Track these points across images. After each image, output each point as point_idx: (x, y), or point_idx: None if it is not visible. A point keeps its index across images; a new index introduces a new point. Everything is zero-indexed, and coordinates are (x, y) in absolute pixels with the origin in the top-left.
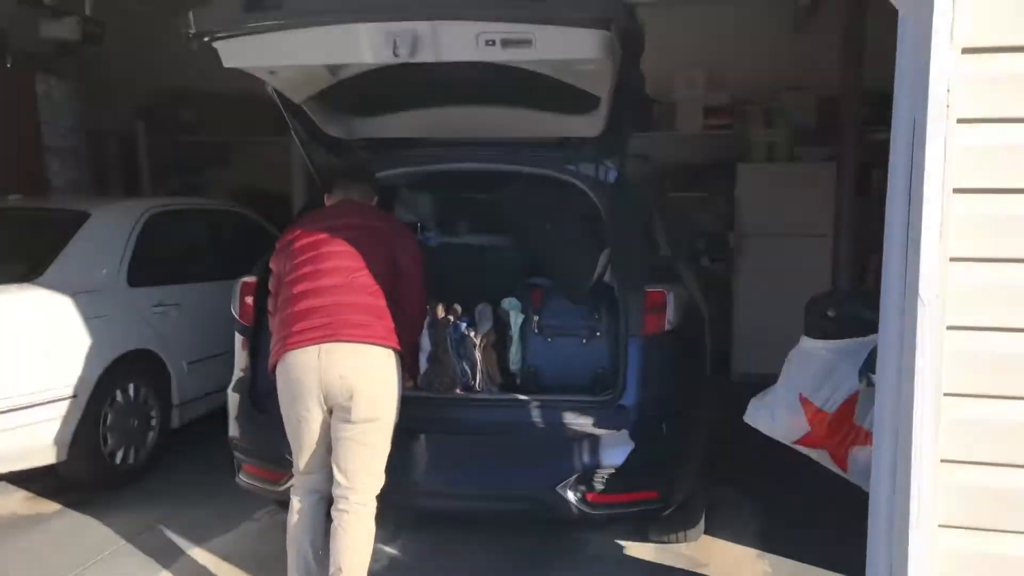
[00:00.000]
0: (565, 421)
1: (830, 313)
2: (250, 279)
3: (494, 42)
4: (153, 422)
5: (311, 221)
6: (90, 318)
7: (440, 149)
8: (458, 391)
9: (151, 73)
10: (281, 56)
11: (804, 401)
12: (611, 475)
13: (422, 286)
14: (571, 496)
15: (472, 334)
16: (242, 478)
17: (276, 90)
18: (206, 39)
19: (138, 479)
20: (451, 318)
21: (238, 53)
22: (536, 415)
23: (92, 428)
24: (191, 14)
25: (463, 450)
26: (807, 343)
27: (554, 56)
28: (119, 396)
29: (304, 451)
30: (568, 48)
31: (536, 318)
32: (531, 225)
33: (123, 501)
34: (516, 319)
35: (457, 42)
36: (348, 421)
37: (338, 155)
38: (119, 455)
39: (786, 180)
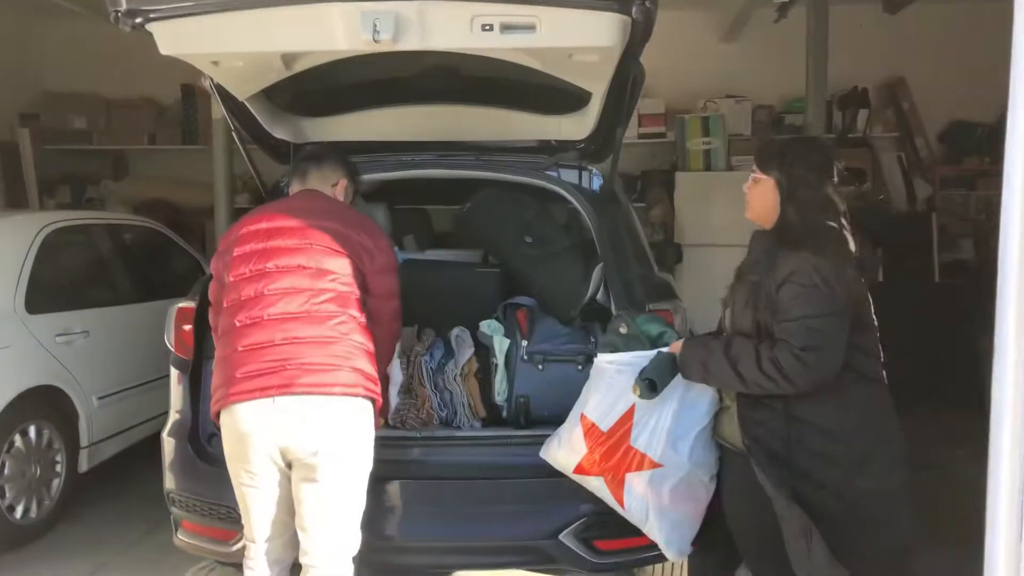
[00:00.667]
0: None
1: (622, 330)
2: (187, 304)
3: (491, 26)
4: (59, 467)
5: (259, 218)
6: None
7: (403, 154)
8: (435, 428)
9: (35, 76)
10: (232, 42)
11: (583, 418)
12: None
13: (396, 306)
14: (577, 545)
15: (451, 363)
16: (182, 538)
17: (216, 85)
18: (139, 20)
19: (43, 535)
20: (423, 347)
21: (179, 38)
22: (530, 453)
23: None
24: None
25: (448, 497)
26: (597, 360)
27: (560, 43)
28: (18, 441)
29: (259, 518)
30: (578, 34)
31: (524, 343)
32: (508, 239)
33: (28, 563)
34: (500, 345)
35: (448, 25)
36: (312, 480)
37: (283, 160)
38: (19, 509)
39: (724, 189)
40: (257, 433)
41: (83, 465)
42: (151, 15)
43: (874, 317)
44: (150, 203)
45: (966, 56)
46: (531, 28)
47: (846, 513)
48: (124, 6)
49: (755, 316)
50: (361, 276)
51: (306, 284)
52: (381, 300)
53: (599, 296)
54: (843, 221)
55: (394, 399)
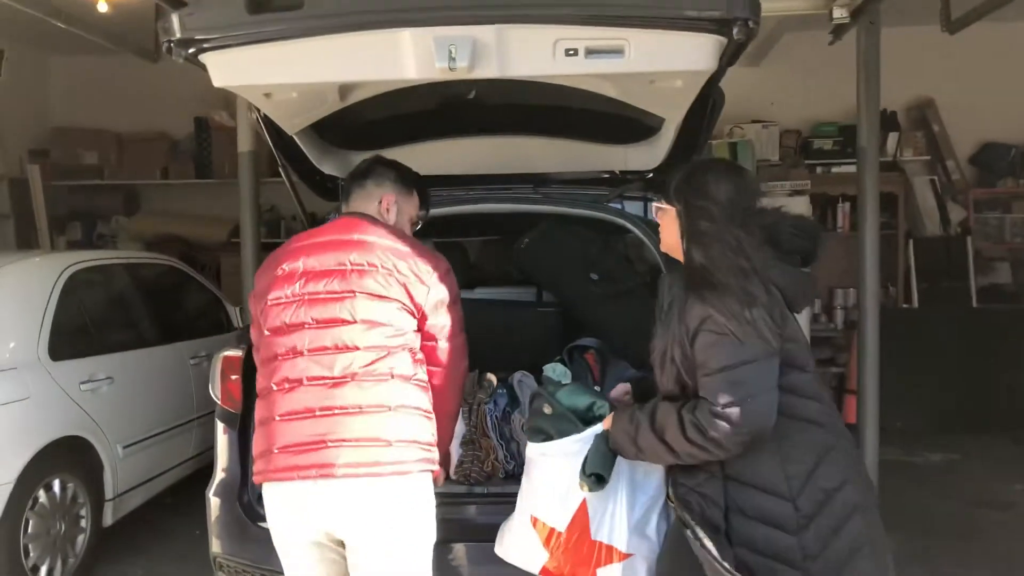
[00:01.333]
0: None
1: (546, 410)
2: (234, 353)
3: (576, 51)
4: (83, 522)
5: (293, 252)
6: (4, 403)
7: (455, 188)
8: (502, 482)
9: (45, 111)
10: (289, 72)
11: (535, 521)
12: None
13: (461, 343)
14: None
15: (517, 411)
16: None
17: (264, 118)
18: (192, 51)
19: None
20: (485, 392)
21: (234, 69)
22: None
23: (10, 541)
24: (174, 17)
25: None
26: (528, 451)
27: (650, 68)
28: (42, 496)
29: None
30: (670, 58)
31: (597, 389)
32: (572, 276)
33: None
34: None
35: (529, 51)
36: (365, 560)
37: (330, 197)
38: (43, 570)
39: None
40: (298, 517)
41: (108, 519)
42: (205, 45)
43: (810, 356)
44: (163, 239)
45: (996, 77)
46: (619, 52)
47: None
48: (178, 35)
49: (676, 373)
50: (415, 316)
51: (350, 341)
52: (443, 340)
53: None
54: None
55: (456, 452)
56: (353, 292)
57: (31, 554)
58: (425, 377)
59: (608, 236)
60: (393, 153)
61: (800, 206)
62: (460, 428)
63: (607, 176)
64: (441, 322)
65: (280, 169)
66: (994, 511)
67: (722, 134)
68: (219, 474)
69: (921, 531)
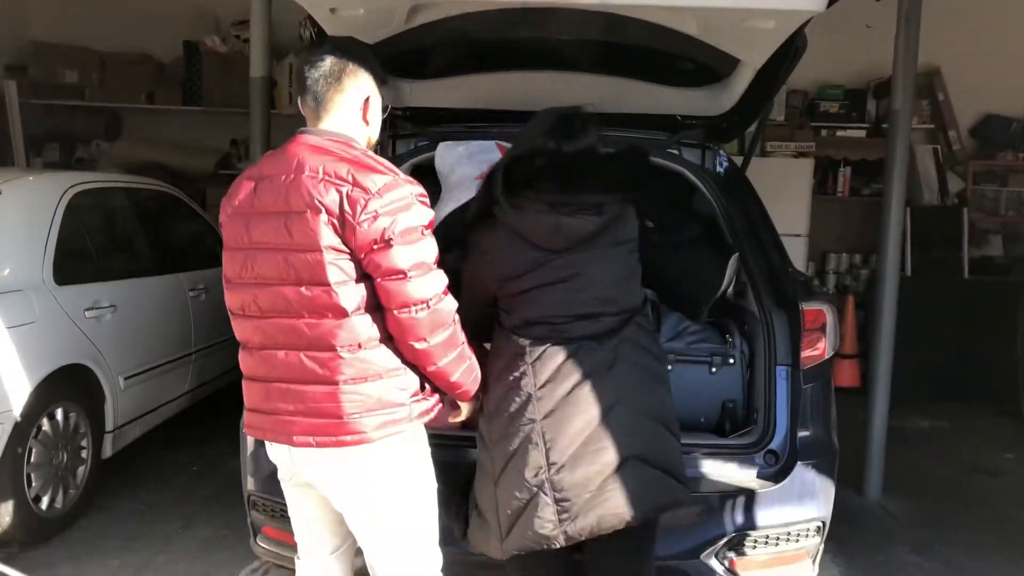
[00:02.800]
0: (704, 471)
1: None
2: None
3: None
4: (84, 453)
5: (244, 188)
6: (11, 327)
7: (511, 125)
8: None
9: (23, 23)
10: None
11: None
12: (765, 537)
13: (433, 316)
14: (719, 566)
15: None
16: (262, 544)
17: (316, 35)
18: None
19: (69, 527)
20: None
21: None
22: None
23: (14, 469)
24: None
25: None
26: None
27: (758, 4)
28: (45, 425)
29: (301, 532)
30: None
31: None
32: None
33: (62, 562)
34: None
35: None
36: (352, 519)
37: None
38: (45, 500)
39: (758, 174)
40: (281, 466)
41: (107, 451)
42: None
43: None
44: (146, 166)
45: (1001, 49)
46: None
47: None
48: None
49: None
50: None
51: (294, 300)
52: (388, 304)
53: (729, 290)
54: None
55: None
56: (293, 242)
57: (33, 483)
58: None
59: (665, 183)
60: (447, 83)
61: (803, 168)
62: None
63: (669, 119)
64: (387, 274)
65: None
66: (988, 477)
67: None
68: None
69: (925, 494)
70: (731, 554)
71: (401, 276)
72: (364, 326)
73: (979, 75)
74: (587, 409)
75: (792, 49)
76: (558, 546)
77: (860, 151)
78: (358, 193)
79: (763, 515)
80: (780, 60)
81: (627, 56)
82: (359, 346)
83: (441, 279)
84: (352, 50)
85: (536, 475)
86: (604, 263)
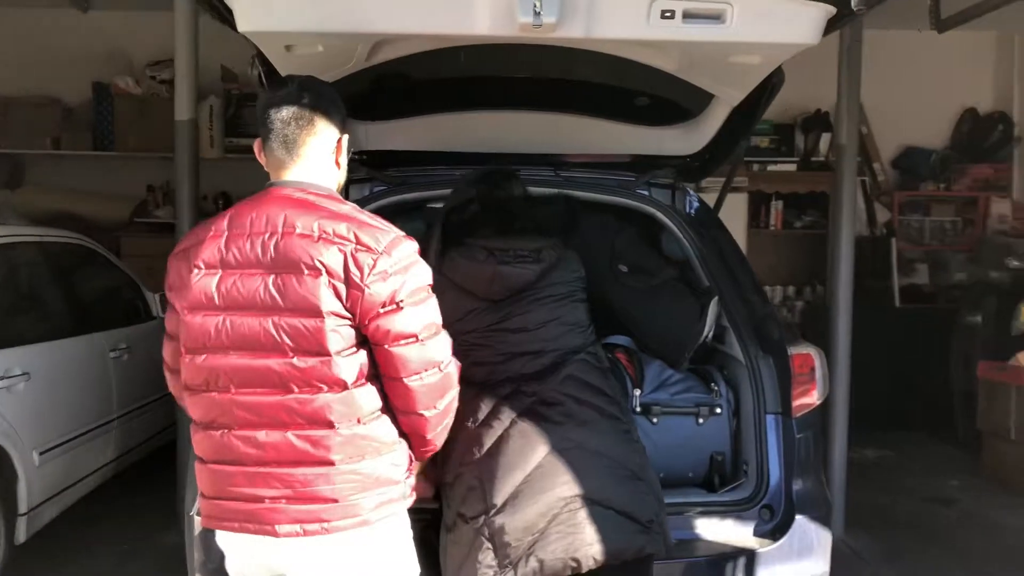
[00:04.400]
0: (698, 531)
1: None
2: None
3: (673, 14)
4: None
5: (211, 253)
6: None
7: (467, 167)
8: None
9: None
10: (335, 16)
11: None
12: None
13: (437, 381)
14: None
15: None
16: None
17: (266, 75)
18: None
19: None
20: None
21: (266, 9)
22: None
23: None
24: None
25: None
26: None
27: (751, 38)
28: None
29: None
30: (774, 28)
31: (636, 392)
32: (598, 268)
33: None
34: None
35: (622, 10)
36: None
37: None
38: None
39: None
40: (246, 563)
41: (21, 536)
42: None
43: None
44: (53, 216)
45: (918, 83)
46: (719, 18)
47: None
48: None
49: None
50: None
51: (282, 373)
52: (396, 373)
53: (709, 336)
54: None
55: None
56: (282, 313)
57: None
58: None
59: (635, 226)
60: (403, 125)
61: (738, 203)
62: None
63: (636, 161)
64: (394, 343)
65: None
66: (943, 507)
67: None
68: None
69: (885, 529)
70: None
71: (413, 339)
72: (364, 398)
73: (899, 109)
74: (529, 448)
75: (770, 84)
76: None
77: (791, 184)
78: (363, 253)
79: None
80: (758, 96)
81: (595, 95)
82: (358, 421)
83: (448, 340)
84: (322, 89)
85: (476, 518)
86: (543, 313)
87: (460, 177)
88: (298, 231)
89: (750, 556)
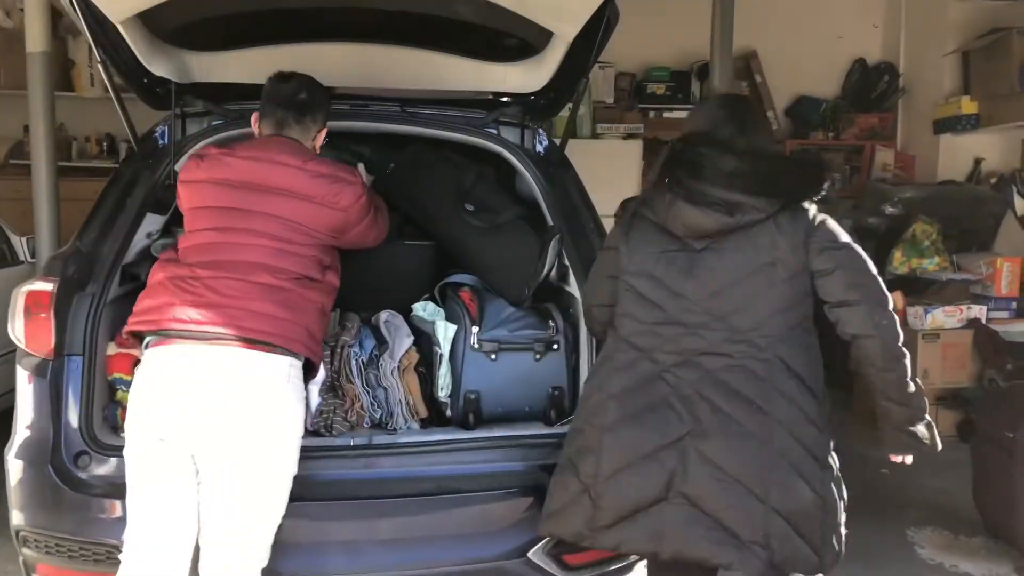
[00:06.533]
0: (528, 462)
1: None
2: (44, 286)
3: None
4: None
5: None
6: None
7: None
8: (368, 432)
9: None
10: None
11: None
12: None
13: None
14: (548, 563)
15: (387, 354)
16: None
17: (81, 2)
18: None
19: None
20: (349, 335)
21: None
22: (488, 459)
23: None
24: None
25: (393, 517)
26: None
27: None
28: None
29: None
30: None
31: (475, 329)
32: (445, 206)
33: None
34: (446, 331)
35: None
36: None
37: (161, 105)
38: None
39: (590, 156)
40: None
41: None
42: None
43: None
44: None
45: (811, 32)
46: None
47: None
48: None
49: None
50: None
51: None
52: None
53: (552, 273)
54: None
55: (315, 400)
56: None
57: None
58: None
59: (484, 164)
60: (239, 56)
61: (633, 149)
62: (320, 373)
63: (485, 97)
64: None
65: (100, 67)
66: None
67: None
68: (23, 433)
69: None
70: (561, 548)
71: None
72: None
73: (792, 58)
74: (651, 430)
75: (603, 22)
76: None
77: None
78: None
79: None
80: (594, 32)
81: (438, 28)
82: None
83: None
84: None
85: (584, 480)
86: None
87: None
88: None
89: None
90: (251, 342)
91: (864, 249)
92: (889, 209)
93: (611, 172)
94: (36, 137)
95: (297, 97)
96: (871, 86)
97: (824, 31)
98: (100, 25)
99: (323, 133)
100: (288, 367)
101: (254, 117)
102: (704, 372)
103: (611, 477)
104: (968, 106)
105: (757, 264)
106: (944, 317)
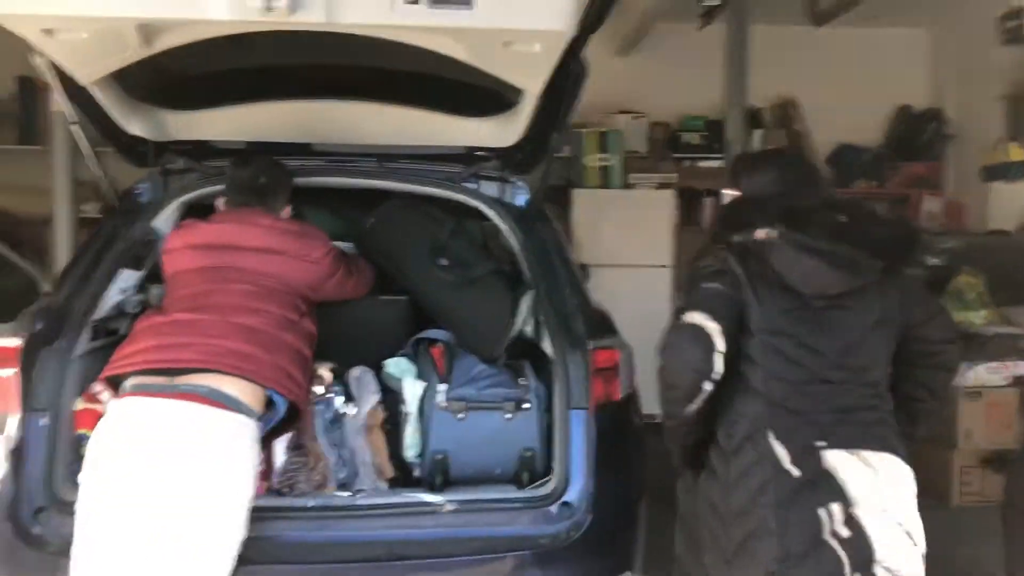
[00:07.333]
0: (492, 528)
1: None
2: (11, 342)
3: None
4: None
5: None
6: None
7: (289, 158)
8: (332, 491)
9: None
10: (71, 2)
11: None
12: None
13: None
14: None
15: (352, 411)
16: None
17: (51, 63)
18: None
19: None
20: (319, 390)
21: None
22: (451, 523)
23: None
24: None
25: None
26: None
27: (501, 23)
28: None
29: None
30: (523, 14)
31: (443, 387)
32: (419, 260)
33: None
34: (413, 389)
35: None
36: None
37: (141, 163)
38: None
39: (621, 207)
40: None
41: None
42: None
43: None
44: None
45: (854, 80)
46: (466, 4)
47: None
48: None
49: None
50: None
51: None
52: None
53: (527, 329)
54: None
55: (279, 458)
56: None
57: None
58: None
59: (463, 219)
60: (215, 115)
61: (666, 199)
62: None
63: (463, 153)
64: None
65: (70, 128)
66: None
67: (592, 123)
68: None
69: None
70: None
71: None
72: None
73: (833, 105)
74: (828, 496)
75: (571, 76)
76: None
77: (723, 181)
78: None
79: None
80: (563, 88)
81: (414, 84)
82: None
83: None
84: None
85: (767, 566)
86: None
87: None
88: None
89: (543, 553)
90: (220, 378)
91: None
92: (932, 260)
93: (643, 222)
94: (58, 192)
95: (257, 181)
96: (917, 133)
97: (867, 78)
98: (73, 87)
99: (287, 209)
100: (240, 426)
101: (218, 202)
102: (863, 428)
103: (803, 558)
104: (1017, 152)
105: (871, 320)
106: (988, 374)
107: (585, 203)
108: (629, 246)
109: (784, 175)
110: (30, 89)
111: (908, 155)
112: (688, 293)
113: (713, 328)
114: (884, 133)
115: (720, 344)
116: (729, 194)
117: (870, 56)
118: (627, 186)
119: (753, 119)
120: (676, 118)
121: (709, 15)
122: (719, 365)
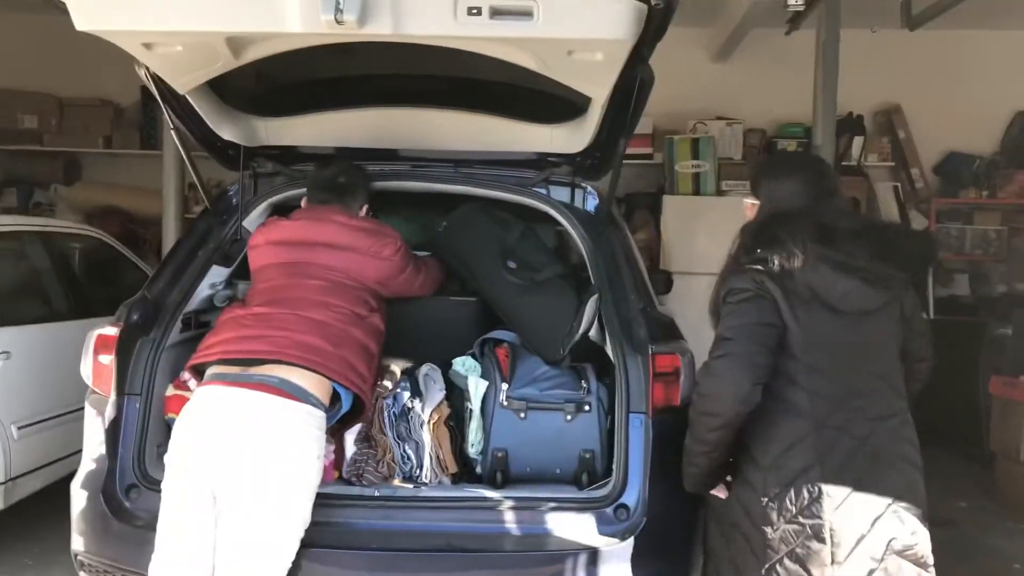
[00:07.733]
0: (548, 527)
1: None
2: (110, 331)
3: (479, 10)
4: None
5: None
6: None
7: (370, 163)
8: (398, 483)
9: None
10: (163, 18)
11: None
12: None
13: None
14: None
15: (419, 407)
16: None
17: (152, 75)
18: None
19: None
20: (388, 385)
21: (99, 9)
22: (509, 519)
23: None
24: None
25: (406, 572)
26: None
27: (561, 34)
28: None
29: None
30: (583, 24)
31: (505, 386)
32: (488, 263)
33: None
34: (476, 387)
35: (427, 7)
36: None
37: (234, 167)
38: None
39: (713, 214)
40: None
41: (1, 502)
42: None
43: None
44: (103, 210)
45: (962, 86)
46: (527, 14)
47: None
48: None
49: None
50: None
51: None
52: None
53: (592, 333)
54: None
55: (349, 449)
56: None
57: None
58: None
59: (533, 223)
60: (302, 121)
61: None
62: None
63: (534, 159)
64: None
65: (172, 132)
66: (938, 529)
67: (685, 129)
68: (87, 463)
69: None
70: None
71: None
72: None
73: (942, 111)
74: (871, 503)
75: (637, 82)
76: None
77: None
78: None
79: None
80: (629, 95)
81: (490, 92)
82: None
83: None
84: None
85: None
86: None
87: None
88: None
89: (598, 553)
90: (290, 370)
91: (1016, 316)
92: None
93: (735, 229)
94: (167, 193)
95: (337, 180)
96: None
97: (975, 82)
98: (172, 95)
99: (365, 208)
100: (307, 415)
101: (303, 201)
102: (892, 433)
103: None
104: None
105: (892, 330)
106: None
107: (676, 209)
108: (721, 254)
109: (807, 185)
110: (152, 98)
111: None
112: (726, 318)
113: (761, 362)
114: (999, 140)
115: (766, 376)
116: (750, 203)
117: (976, 60)
118: (720, 193)
119: (855, 126)
120: (772, 125)
121: (795, 20)
122: (759, 395)
